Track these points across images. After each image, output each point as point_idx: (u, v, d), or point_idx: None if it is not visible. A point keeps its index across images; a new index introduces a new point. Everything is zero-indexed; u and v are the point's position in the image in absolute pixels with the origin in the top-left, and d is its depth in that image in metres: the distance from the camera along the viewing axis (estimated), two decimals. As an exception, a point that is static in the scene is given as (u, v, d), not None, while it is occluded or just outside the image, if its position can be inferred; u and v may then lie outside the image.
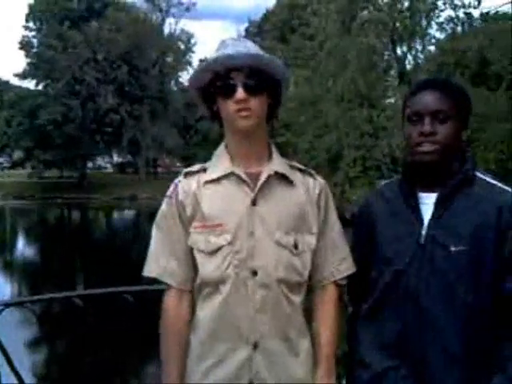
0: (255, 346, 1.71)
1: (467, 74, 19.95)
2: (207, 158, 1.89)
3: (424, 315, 1.75)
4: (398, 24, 22.73)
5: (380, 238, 1.88)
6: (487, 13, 22.86)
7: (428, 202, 1.81)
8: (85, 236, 25.33)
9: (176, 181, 1.85)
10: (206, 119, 1.97)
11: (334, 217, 1.88)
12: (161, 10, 51.17)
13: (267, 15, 44.27)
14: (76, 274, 15.36)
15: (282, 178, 1.80)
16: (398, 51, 24.23)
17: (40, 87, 48.32)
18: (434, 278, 1.75)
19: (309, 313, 1.84)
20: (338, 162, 22.28)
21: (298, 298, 1.78)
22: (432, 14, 22.43)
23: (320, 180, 1.88)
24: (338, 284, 1.87)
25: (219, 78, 1.74)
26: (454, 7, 21.78)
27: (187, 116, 46.59)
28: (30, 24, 48.29)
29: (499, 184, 1.81)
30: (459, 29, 22.34)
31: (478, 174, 1.83)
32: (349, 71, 21.39)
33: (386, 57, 24.44)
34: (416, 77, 19.86)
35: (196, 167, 1.87)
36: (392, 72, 25.06)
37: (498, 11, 22.32)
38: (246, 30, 47.47)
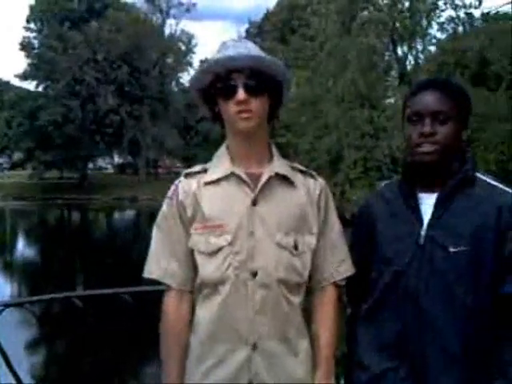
0: (254, 347, 1.71)
1: (467, 74, 19.96)
2: (208, 159, 1.89)
3: (423, 315, 1.75)
4: (398, 24, 22.74)
5: (380, 239, 1.88)
6: (488, 13, 22.90)
7: (428, 202, 1.81)
8: (85, 237, 25.33)
9: (176, 182, 1.86)
10: (207, 120, 1.97)
11: (333, 217, 1.88)
12: (161, 11, 51.27)
13: (268, 15, 44.29)
14: (76, 275, 15.36)
15: (283, 179, 1.80)
16: (399, 51, 24.26)
17: (40, 88, 48.37)
18: (434, 278, 1.75)
19: (307, 313, 1.84)
20: (339, 163, 22.26)
21: (297, 299, 1.78)
22: (433, 14, 22.44)
23: (320, 181, 1.88)
24: (337, 285, 1.87)
25: (220, 80, 1.74)
26: (455, 7, 21.81)
27: (188, 117, 46.62)
28: (31, 25, 48.37)
29: (500, 185, 1.81)
30: (460, 29, 22.37)
31: (479, 175, 1.83)
32: (349, 72, 21.38)
33: (386, 57, 24.43)
34: (416, 77, 19.86)
35: (196, 168, 1.87)
36: (392, 72, 25.06)
37: (498, 11, 22.37)
38: (247, 31, 47.52)
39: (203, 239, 1.76)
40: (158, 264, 1.82)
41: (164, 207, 1.85)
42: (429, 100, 1.79)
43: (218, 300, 1.73)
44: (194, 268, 1.79)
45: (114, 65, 45.83)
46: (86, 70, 44.94)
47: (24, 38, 48.11)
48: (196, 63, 49.63)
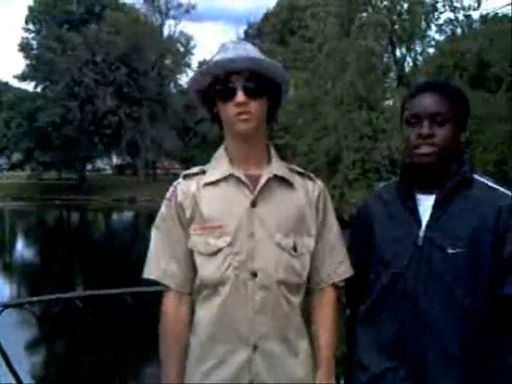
0: (255, 348, 1.72)
1: (466, 76, 19.98)
2: (206, 160, 1.89)
3: (422, 317, 1.76)
4: (396, 26, 22.77)
5: (378, 240, 1.88)
6: (487, 15, 22.93)
7: (426, 204, 1.81)
8: (84, 238, 25.32)
9: (175, 183, 1.86)
10: (206, 121, 1.97)
11: (332, 219, 1.88)
12: (160, 12, 51.26)
13: (267, 17, 44.26)
14: (75, 276, 15.35)
15: (282, 180, 1.81)
16: (397, 53, 24.30)
17: (39, 89, 48.35)
18: (432, 279, 1.75)
19: (307, 313, 1.85)
20: (337, 165, 22.29)
21: (296, 299, 1.79)
22: (431, 16, 22.47)
23: (319, 183, 1.89)
24: (336, 286, 1.88)
25: (219, 82, 1.74)
26: (454, 9, 21.85)
27: (186, 118, 46.58)
28: (30, 26, 48.35)
29: (498, 187, 1.81)
30: (459, 31, 22.41)
31: (476, 177, 1.83)
32: (348, 73, 21.42)
33: (384, 59, 24.47)
34: (415, 79, 19.91)
35: (195, 169, 1.87)
36: (391, 74, 25.10)
37: (497, 13, 22.39)
38: (246, 33, 47.48)
39: (202, 240, 1.76)
40: (158, 265, 1.82)
41: (163, 208, 1.85)
42: (427, 102, 1.80)
43: (218, 301, 1.74)
44: (194, 269, 1.80)
45: (112, 66, 45.82)
46: (84, 71, 44.93)
47: (23, 38, 48.17)
48: (195, 65, 49.66)
